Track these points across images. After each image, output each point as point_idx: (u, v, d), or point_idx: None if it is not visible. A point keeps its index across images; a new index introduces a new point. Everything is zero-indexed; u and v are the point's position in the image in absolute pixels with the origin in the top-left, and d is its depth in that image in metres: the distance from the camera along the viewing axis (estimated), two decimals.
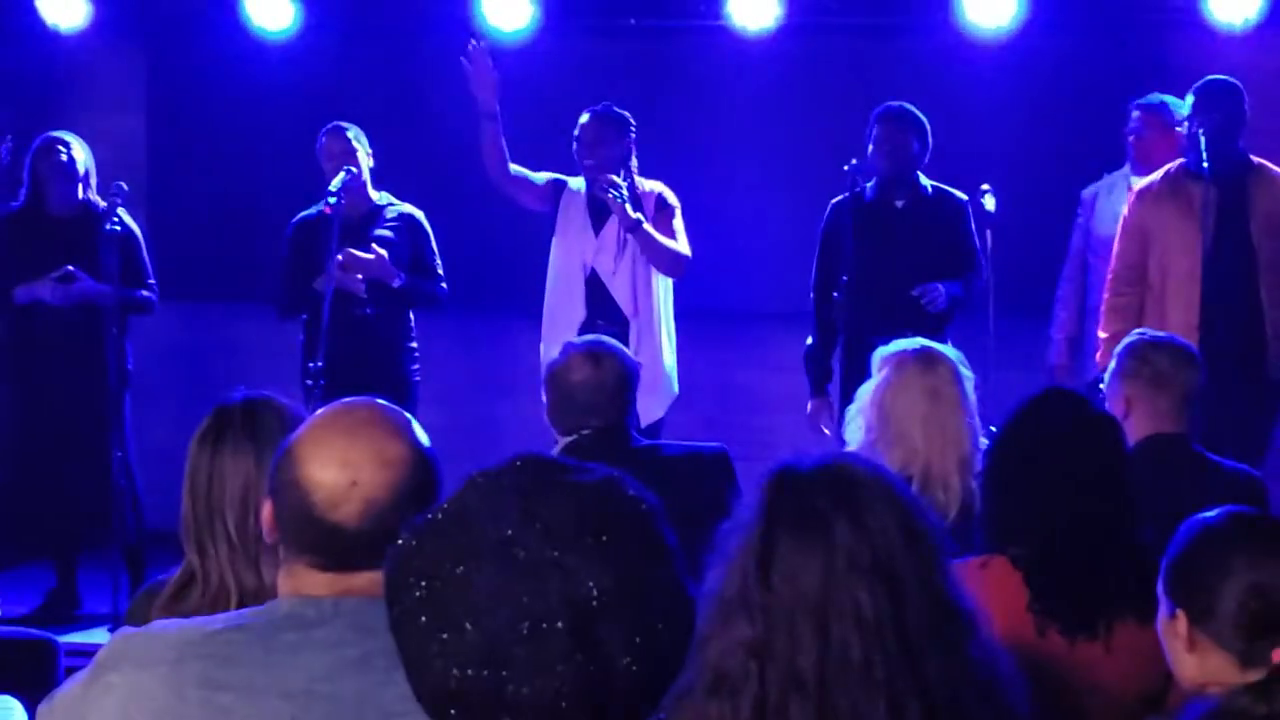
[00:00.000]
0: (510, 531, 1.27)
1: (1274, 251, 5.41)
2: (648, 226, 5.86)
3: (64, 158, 6.00)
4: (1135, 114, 6.20)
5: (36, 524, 6.09)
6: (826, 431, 5.93)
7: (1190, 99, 5.58)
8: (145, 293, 6.13)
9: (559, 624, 1.24)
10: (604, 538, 1.27)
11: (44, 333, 5.93)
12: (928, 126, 5.88)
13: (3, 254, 6.03)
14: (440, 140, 6.63)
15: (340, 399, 1.96)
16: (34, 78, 7.49)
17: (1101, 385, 5.54)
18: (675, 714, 1.84)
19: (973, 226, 5.89)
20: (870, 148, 5.86)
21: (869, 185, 5.90)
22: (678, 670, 1.33)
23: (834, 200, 5.96)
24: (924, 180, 5.93)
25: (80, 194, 6.02)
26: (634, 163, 6.02)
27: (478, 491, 1.32)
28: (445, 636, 1.26)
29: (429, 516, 1.33)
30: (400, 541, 1.32)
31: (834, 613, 1.79)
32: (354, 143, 6.05)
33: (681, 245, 5.97)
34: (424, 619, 1.28)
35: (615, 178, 5.82)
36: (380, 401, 1.95)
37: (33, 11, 6.95)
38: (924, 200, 5.90)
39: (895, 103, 5.91)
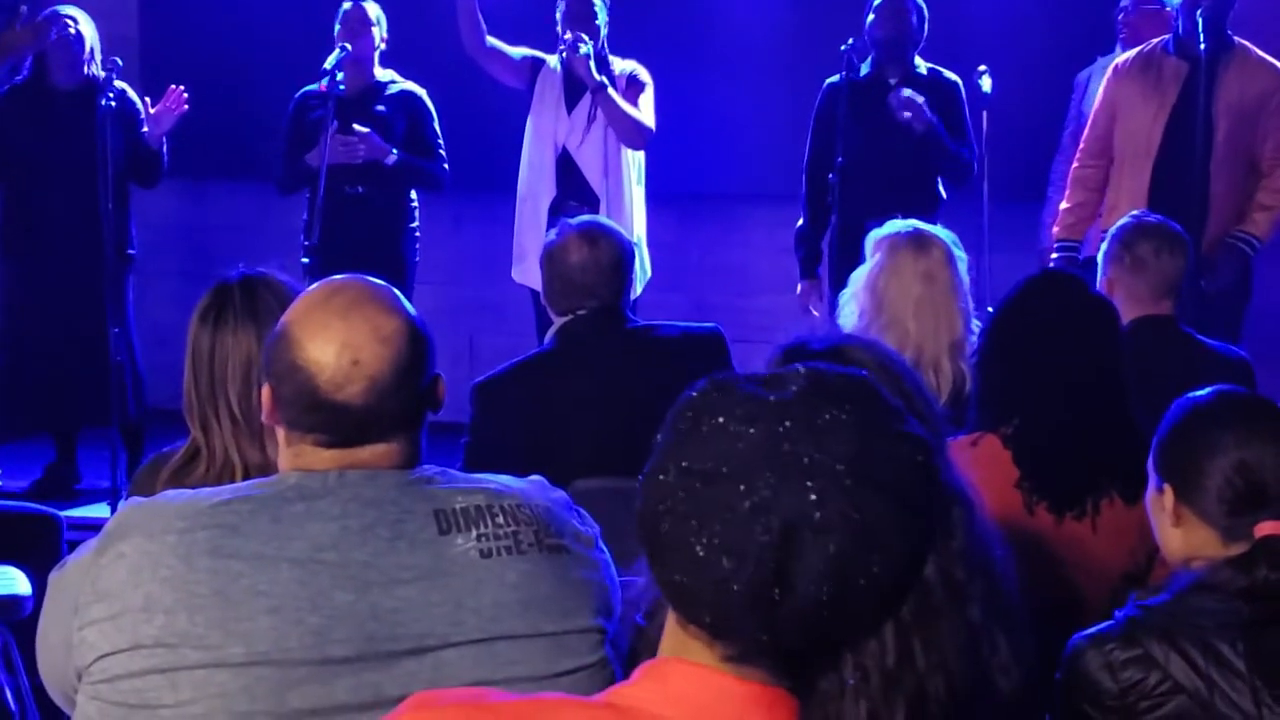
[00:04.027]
0: (784, 426, 1.26)
1: (1232, 133, 5.40)
2: (612, 92, 5.87)
3: (70, 31, 5.97)
4: None
5: (34, 401, 6.12)
6: (815, 313, 5.96)
7: None
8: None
9: (767, 526, 1.23)
10: (856, 472, 1.24)
11: (42, 210, 5.90)
12: (925, 8, 5.86)
13: (8, 127, 6.02)
14: (432, 14, 6.58)
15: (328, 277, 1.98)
16: None
17: (1054, 255, 5.61)
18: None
19: (965, 109, 5.87)
20: (870, 18, 5.84)
21: (863, 65, 5.87)
22: (856, 624, 1.30)
23: (828, 81, 5.94)
24: (919, 60, 5.90)
25: (85, 69, 6.00)
26: (604, 44, 6.03)
27: (772, 380, 1.31)
28: (679, 493, 1.26)
29: (717, 392, 1.32)
30: (685, 403, 1.32)
31: None
32: (370, 18, 6.02)
33: (645, 117, 5.97)
34: (665, 473, 1.28)
35: (583, 35, 5.81)
36: (367, 278, 1.97)
37: None
38: (917, 79, 5.86)
39: None
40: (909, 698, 1.82)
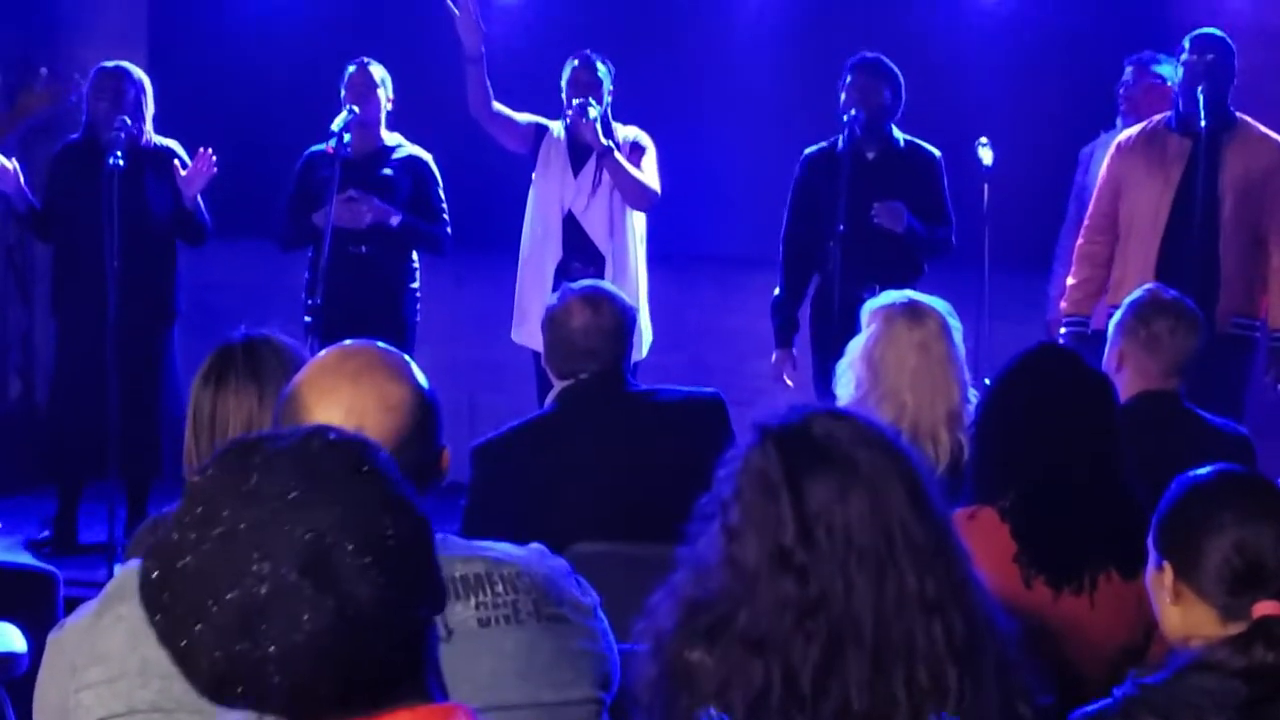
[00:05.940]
0: (225, 513, 1.30)
1: (1238, 208, 5.42)
2: (618, 155, 5.92)
3: (120, 91, 5.98)
4: (1128, 69, 6.25)
5: (42, 453, 6.13)
6: (789, 383, 5.96)
7: (1185, 50, 5.56)
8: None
9: (293, 576, 1.27)
10: (308, 485, 1.30)
11: (86, 269, 5.87)
12: (901, 78, 5.85)
13: (58, 185, 6.05)
14: (435, 77, 6.63)
15: (338, 338, 1.99)
16: (37, 13, 7.44)
17: (1062, 330, 5.62)
18: (721, 660, 1.80)
19: (944, 182, 5.87)
20: (843, 97, 5.83)
21: (840, 137, 5.81)
22: (425, 583, 1.35)
23: (806, 151, 5.97)
24: (896, 133, 5.90)
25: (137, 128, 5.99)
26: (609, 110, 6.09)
27: (191, 492, 1.35)
28: (199, 626, 1.29)
29: (160, 533, 1.36)
30: (143, 566, 1.36)
31: (886, 544, 1.75)
32: (375, 80, 6.06)
33: (650, 180, 6.03)
34: (177, 617, 1.31)
35: (591, 100, 5.86)
36: (380, 344, 1.98)
37: None
38: (896, 153, 5.86)
39: (870, 53, 5.87)
40: None
